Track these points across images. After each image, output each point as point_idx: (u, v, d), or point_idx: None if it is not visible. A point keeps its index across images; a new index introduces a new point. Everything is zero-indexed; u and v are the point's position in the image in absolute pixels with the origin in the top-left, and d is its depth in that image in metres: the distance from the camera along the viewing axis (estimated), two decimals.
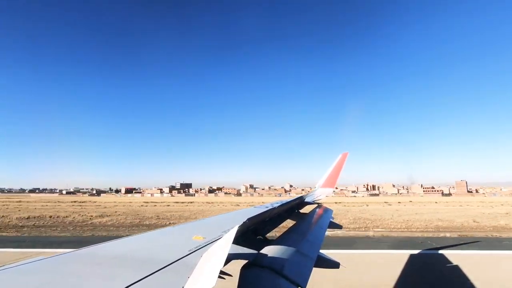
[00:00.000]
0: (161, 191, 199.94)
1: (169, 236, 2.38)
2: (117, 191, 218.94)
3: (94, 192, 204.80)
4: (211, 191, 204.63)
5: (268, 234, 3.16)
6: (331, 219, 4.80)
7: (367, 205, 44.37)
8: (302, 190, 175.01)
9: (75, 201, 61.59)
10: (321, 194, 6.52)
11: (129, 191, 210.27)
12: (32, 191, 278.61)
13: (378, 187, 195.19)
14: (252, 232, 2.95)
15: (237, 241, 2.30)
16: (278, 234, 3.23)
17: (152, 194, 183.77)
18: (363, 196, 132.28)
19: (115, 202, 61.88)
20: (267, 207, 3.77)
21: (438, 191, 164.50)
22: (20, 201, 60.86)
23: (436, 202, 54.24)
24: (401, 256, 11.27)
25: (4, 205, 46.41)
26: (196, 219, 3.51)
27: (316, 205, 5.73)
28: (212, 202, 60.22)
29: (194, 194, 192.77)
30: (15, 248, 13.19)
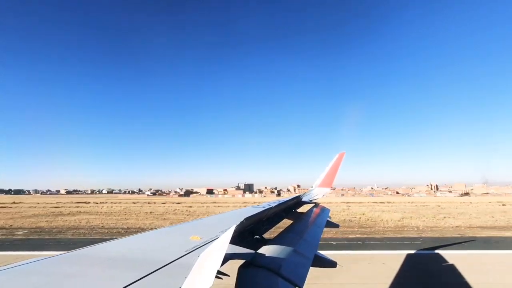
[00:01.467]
0: (245, 191, 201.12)
1: (166, 236, 2.38)
2: (189, 193, 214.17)
3: (183, 192, 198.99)
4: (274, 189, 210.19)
5: (265, 234, 3.16)
6: (328, 219, 4.82)
7: None
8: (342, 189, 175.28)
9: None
10: (318, 194, 6.56)
11: (209, 191, 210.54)
12: (69, 192, 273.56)
13: (437, 186, 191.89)
14: (250, 232, 2.95)
15: (234, 241, 2.31)
16: (275, 234, 3.24)
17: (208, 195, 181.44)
18: (453, 196, 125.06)
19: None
20: (264, 207, 3.77)
21: None
22: (138, 202, 57.48)
23: None
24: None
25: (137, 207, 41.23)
26: (194, 219, 3.51)
27: (313, 204, 5.75)
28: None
29: (280, 193, 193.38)
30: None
